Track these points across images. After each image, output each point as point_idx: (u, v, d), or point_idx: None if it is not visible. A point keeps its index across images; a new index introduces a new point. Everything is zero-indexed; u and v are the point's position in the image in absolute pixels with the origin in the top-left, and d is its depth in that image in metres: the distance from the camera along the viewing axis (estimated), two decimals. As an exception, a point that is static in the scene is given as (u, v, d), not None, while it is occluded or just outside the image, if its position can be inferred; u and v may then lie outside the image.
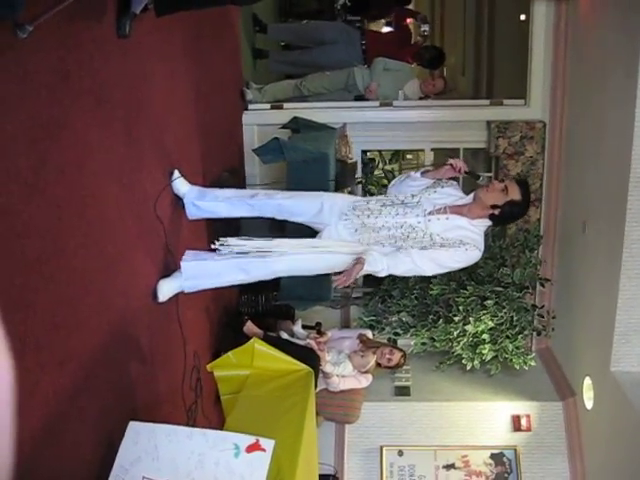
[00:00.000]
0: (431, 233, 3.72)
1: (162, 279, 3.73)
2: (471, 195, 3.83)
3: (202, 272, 3.79)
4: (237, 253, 3.75)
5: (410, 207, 3.79)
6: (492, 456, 5.70)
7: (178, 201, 4.04)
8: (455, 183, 3.96)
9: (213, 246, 3.80)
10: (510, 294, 5.65)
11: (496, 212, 3.73)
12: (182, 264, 3.77)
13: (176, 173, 4.01)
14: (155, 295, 3.66)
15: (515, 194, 3.71)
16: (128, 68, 3.40)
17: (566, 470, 5.62)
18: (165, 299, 3.70)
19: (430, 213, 3.76)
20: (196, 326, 4.14)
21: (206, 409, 4.42)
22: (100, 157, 3.03)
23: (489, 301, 5.57)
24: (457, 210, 3.78)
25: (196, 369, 4.29)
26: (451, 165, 3.75)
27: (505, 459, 5.68)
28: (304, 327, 5.66)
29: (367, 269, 3.64)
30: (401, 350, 5.52)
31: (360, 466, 5.73)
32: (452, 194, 3.86)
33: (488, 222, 3.82)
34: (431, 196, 3.81)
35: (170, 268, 3.84)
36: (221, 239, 3.80)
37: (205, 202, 4.04)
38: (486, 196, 3.72)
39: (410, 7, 7.91)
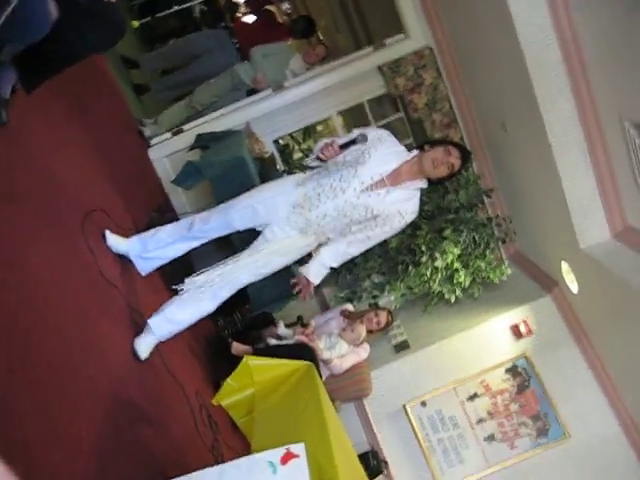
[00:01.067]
0: (372, 209, 3.71)
1: (136, 338, 3.68)
2: (412, 154, 3.80)
3: (171, 318, 3.76)
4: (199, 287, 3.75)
5: (346, 181, 3.71)
6: (507, 371, 5.79)
7: (122, 258, 4.00)
8: (360, 141, 3.73)
9: (176, 287, 3.79)
10: (463, 217, 5.73)
11: (436, 181, 3.81)
12: (149, 322, 3.74)
13: (108, 234, 3.95)
14: (136, 355, 3.62)
15: (457, 167, 3.75)
16: (20, 153, 3.34)
17: (579, 356, 5.74)
18: (147, 355, 3.67)
19: (369, 188, 3.71)
20: (186, 367, 4.11)
21: (228, 440, 4.41)
22: (29, 249, 2.98)
23: (447, 231, 5.65)
24: (396, 177, 3.74)
25: (204, 407, 4.26)
26: (322, 156, 3.68)
27: (520, 369, 5.78)
28: (287, 326, 5.65)
29: (316, 282, 3.75)
30: (384, 309, 5.58)
31: (392, 431, 5.77)
32: (388, 155, 3.76)
33: (425, 185, 3.83)
34: (367, 163, 3.71)
35: (140, 324, 3.80)
36: (181, 285, 3.81)
37: (151, 252, 4.02)
38: (432, 172, 3.71)
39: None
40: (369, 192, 3.70)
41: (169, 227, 4.07)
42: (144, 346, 3.67)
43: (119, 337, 3.58)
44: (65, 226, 3.52)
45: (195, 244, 4.04)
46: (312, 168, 3.92)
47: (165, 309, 3.79)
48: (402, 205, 3.74)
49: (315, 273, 3.75)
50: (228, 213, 3.95)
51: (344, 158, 3.76)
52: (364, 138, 3.69)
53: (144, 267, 4.06)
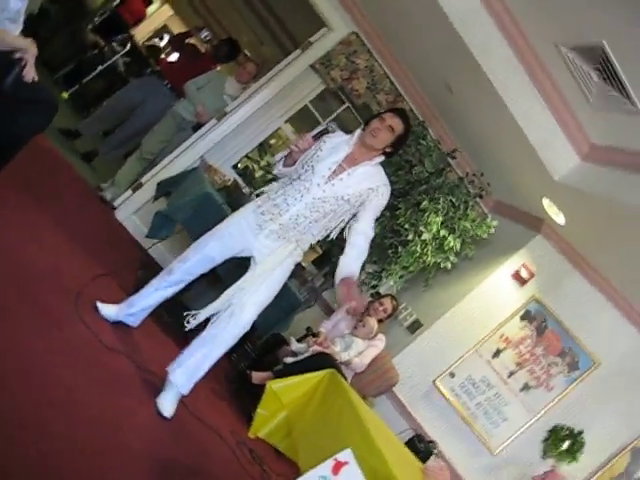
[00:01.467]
0: (342, 195, 3.75)
1: (158, 398, 3.66)
2: (355, 135, 3.87)
3: (190, 370, 3.73)
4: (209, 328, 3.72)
5: (307, 180, 3.78)
6: (522, 319, 5.81)
7: (118, 323, 3.98)
8: (332, 130, 3.96)
9: (188, 326, 3.79)
10: (435, 184, 5.76)
11: (388, 150, 3.85)
12: (171, 378, 3.71)
13: (99, 305, 3.95)
14: (162, 415, 3.60)
15: (399, 127, 3.80)
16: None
17: (585, 282, 5.76)
18: (172, 412, 3.65)
19: (330, 178, 3.76)
20: (215, 411, 4.09)
21: (276, 468, 4.39)
22: (30, 342, 2.96)
23: (424, 203, 5.67)
24: (352, 161, 3.81)
25: (242, 444, 4.26)
26: (295, 148, 3.77)
27: (533, 313, 5.80)
28: (299, 340, 5.65)
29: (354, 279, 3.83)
30: (387, 295, 5.60)
31: (430, 410, 5.77)
32: (337, 144, 3.85)
33: (382, 157, 3.89)
34: (320, 158, 3.79)
35: (156, 384, 3.78)
36: (189, 324, 3.79)
37: (136, 307, 4.00)
38: (375, 141, 3.79)
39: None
40: (332, 181, 3.76)
41: (152, 280, 4.05)
42: (168, 404, 3.65)
43: (139, 401, 3.56)
44: (57, 312, 3.50)
45: (181, 286, 4.01)
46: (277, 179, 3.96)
47: (183, 363, 3.74)
48: (369, 181, 3.80)
49: (349, 272, 3.80)
50: (204, 246, 3.94)
51: (302, 164, 3.82)
52: (332, 127, 3.83)
53: (132, 320, 4.04)
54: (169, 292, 4.02)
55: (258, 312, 3.82)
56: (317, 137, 3.82)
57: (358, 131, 3.91)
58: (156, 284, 4.01)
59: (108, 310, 3.96)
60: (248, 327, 3.78)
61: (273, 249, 3.81)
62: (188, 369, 3.73)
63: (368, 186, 3.79)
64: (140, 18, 12.72)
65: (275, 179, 4.12)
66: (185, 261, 3.94)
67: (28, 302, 3.31)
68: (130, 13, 11.70)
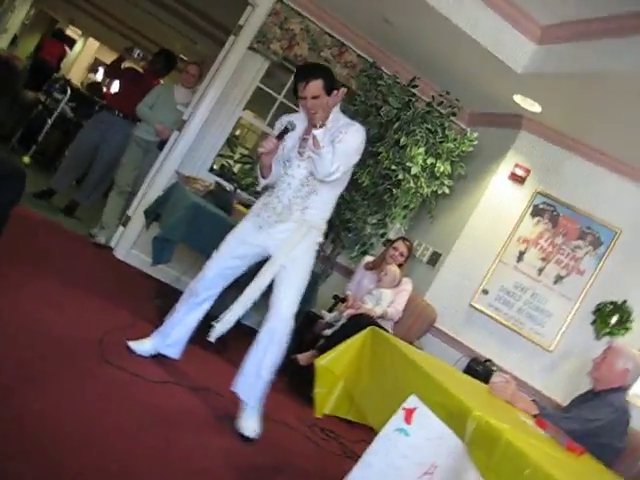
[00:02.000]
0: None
1: (239, 421, 3.71)
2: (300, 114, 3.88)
3: (255, 382, 3.75)
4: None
5: (289, 168, 3.82)
6: (532, 215, 5.81)
7: (159, 357, 4.04)
8: (292, 127, 3.83)
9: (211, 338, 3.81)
10: (406, 118, 5.75)
11: (328, 97, 3.74)
12: (242, 398, 3.75)
13: (130, 344, 4.00)
14: (249, 438, 3.65)
15: (316, 87, 3.70)
16: (12, 328, 3.34)
17: (582, 161, 5.73)
18: (259, 430, 3.69)
19: (302, 154, 3.79)
20: (276, 405, 4.12)
21: (353, 437, 4.48)
22: (74, 404, 3.00)
23: (402, 139, 5.68)
24: (311, 130, 3.75)
25: (312, 427, 4.34)
26: (262, 149, 3.75)
27: (541, 206, 5.80)
28: (331, 310, 5.70)
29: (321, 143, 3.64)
30: (398, 238, 5.62)
31: (476, 332, 5.80)
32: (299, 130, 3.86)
33: (342, 116, 3.84)
34: (289, 147, 3.84)
35: (229, 408, 3.82)
36: (212, 334, 3.81)
37: (172, 336, 4.03)
38: (316, 117, 3.68)
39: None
40: (305, 156, 3.76)
41: (177, 305, 4.07)
42: (252, 424, 3.70)
43: (220, 432, 3.64)
44: (93, 364, 3.53)
45: (208, 305, 4.04)
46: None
47: (245, 379, 3.75)
48: (332, 130, 3.72)
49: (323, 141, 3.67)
50: (219, 257, 3.95)
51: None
52: (292, 124, 3.78)
53: (175, 352, 4.09)
54: (199, 313, 4.04)
55: (297, 302, 3.81)
56: (280, 137, 3.77)
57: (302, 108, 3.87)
58: (183, 309, 4.03)
59: (142, 346, 4.02)
60: (293, 320, 3.78)
61: (285, 238, 3.80)
62: (253, 383, 3.74)
63: (339, 130, 3.72)
64: (61, 57, 12.70)
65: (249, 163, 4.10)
66: (204, 277, 3.96)
67: (63, 363, 3.34)
68: (50, 55, 11.68)
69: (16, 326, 3.44)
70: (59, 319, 3.88)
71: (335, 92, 3.72)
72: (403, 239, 5.65)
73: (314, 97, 3.70)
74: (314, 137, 3.60)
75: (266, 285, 3.80)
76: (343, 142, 3.70)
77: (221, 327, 3.81)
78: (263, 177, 3.90)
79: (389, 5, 5.24)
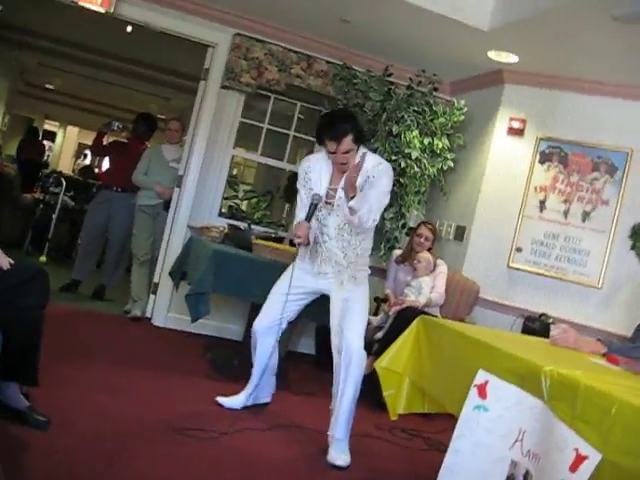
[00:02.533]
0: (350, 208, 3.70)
1: (331, 453, 3.72)
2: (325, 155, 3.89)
3: (346, 420, 3.78)
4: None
5: (324, 223, 3.88)
6: (541, 162, 5.75)
7: (256, 407, 4.22)
8: (317, 200, 3.85)
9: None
10: (391, 107, 5.76)
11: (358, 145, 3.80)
12: (335, 436, 3.77)
13: (220, 399, 4.17)
14: (342, 467, 3.66)
15: (349, 141, 3.72)
16: (76, 433, 3.38)
17: (577, 96, 5.69)
18: (349, 459, 3.71)
19: (332, 204, 3.84)
20: (358, 420, 4.11)
21: (434, 429, 4.49)
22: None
23: (394, 128, 5.68)
24: (338, 177, 3.82)
25: (393, 429, 4.34)
26: (298, 240, 3.81)
27: (547, 151, 5.75)
28: (376, 313, 5.70)
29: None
30: (419, 225, 5.62)
31: (522, 291, 5.74)
32: (317, 176, 3.91)
33: (360, 151, 3.82)
34: (328, 206, 3.88)
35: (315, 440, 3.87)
36: None
37: (256, 382, 4.16)
38: (348, 168, 3.71)
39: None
40: (337, 204, 3.81)
41: (256, 356, 4.15)
42: (339, 455, 3.70)
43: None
44: (168, 438, 3.55)
45: (273, 343, 4.12)
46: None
47: (339, 421, 3.77)
48: (362, 176, 3.72)
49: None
50: (266, 310, 4.07)
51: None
52: (317, 197, 3.80)
53: (262, 396, 4.30)
54: (275, 345, 4.14)
55: (363, 331, 3.87)
56: (310, 217, 3.80)
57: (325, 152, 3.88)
58: (261, 343, 4.11)
59: (233, 401, 4.19)
60: (364, 352, 3.83)
61: (335, 278, 3.89)
62: (346, 419, 3.77)
63: (363, 180, 3.74)
64: (42, 152, 13.12)
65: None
66: (255, 332, 4.08)
67: (144, 442, 3.36)
68: (32, 154, 12.04)
69: (83, 418, 3.47)
70: (121, 401, 3.91)
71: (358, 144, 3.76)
72: (424, 223, 5.64)
73: (346, 152, 3.73)
74: (351, 208, 3.62)
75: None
76: (375, 188, 3.72)
77: None
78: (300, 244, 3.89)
79: (342, 5, 5.26)
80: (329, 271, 3.90)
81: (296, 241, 3.82)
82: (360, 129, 3.86)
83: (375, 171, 3.76)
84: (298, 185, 4.02)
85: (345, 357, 3.76)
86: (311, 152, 6.82)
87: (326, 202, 3.85)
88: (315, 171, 3.92)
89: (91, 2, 5.65)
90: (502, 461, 2.35)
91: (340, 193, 3.76)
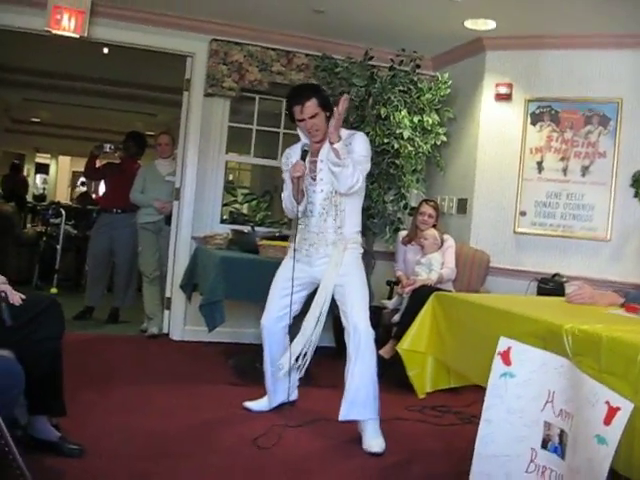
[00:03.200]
0: (333, 180, 3.81)
1: (365, 441, 3.73)
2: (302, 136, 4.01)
3: (364, 399, 3.75)
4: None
5: (310, 201, 3.94)
6: (533, 124, 5.75)
7: (283, 406, 4.26)
8: (307, 147, 3.98)
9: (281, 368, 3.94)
10: (376, 90, 5.76)
11: (328, 115, 3.86)
12: (356, 418, 3.79)
13: (247, 404, 4.23)
14: (379, 454, 3.66)
15: (313, 107, 3.82)
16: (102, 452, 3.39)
17: (551, 47, 5.70)
18: (383, 444, 3.70)
19: (314, 177, 3.92)
20: (387, 405, 4.11)
21: (463, 402, 4.52)
22: None
23: (382, 110, 5.69)
24: (316, 151, 3.92)
25: (423, 408, 4.35)
26: (295, 174, 3.86)
27: (537, 111, 5.73)
28: (390, 297, 5.71)
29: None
30: (420, 203, 5.62)
31: (532, 254, 5.73)
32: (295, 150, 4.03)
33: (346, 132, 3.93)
34: (312, 181, 3.95)
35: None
36: (282, 365, 3.96)
37: (277, 383, 4.20)
38: (317, 135, 3.87)
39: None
40: (319, 177, 3.89)
41: (265, 359, 4.17)
42: (372, 440, 3.71)
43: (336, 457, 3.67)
44: (216, 445, 3.57)
45: (284, 341, 4.13)
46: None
47: (354, 401, 3.76)
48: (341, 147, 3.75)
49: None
50: (270, 303, 4.09)
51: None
52: (307, 145, 3.93)
53: (291, 393, 4.28)
54: (286, 341, 4.13)
55: (366, 310, 3.86)
56: (304, 157, 3.88)
57: (301, 133, 4.03)
58: (268, 359, 4.14)
59: (257, 404, 4.24)
60: (372, 330, 3.82)
61: (327, 261, 3.90)
62: (363, 400, 3.75)
63: (347, 149, 3.77)
64: (25, 185, 13.53)
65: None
66: (263, 328, 4.10)
67: (192, 459, 3.37)
68: (20, 185, 12.37)
69: (115, 440, 3.48)
70: (149, 419, 3.92)
71: (339, 104, 3.72)
72: (425, 201, 5.63)
73: (312, 117, 3.82)
74: (335, 150, 3.65)
75: (323, 311, 3.87)
76: (353, 152, 3.79)
77: (302, 363, 3.90)
78: (298, 203, 3.92)
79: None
80: (321, 248, 3.92)
81: (295, 175, 3.81)
82: (325, 95, 4.00)
83: (351, 139, 3.85)
84: (283, 174, 4.12)
85: (354, 339, 3.76)
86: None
87: (311, 177, 3.92)
88: (295, 155, 4.01)
89: (64, 29, 5.61)
90: (536, 424, 2.35)
91: (321, 165, 3.86)
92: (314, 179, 3.91)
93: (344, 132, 3.89)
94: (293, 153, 4.06)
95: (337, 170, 3.70)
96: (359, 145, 3.85)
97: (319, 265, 3.94)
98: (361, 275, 3.94)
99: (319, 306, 3.86)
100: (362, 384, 3.74)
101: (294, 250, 4.02)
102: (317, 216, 3.93)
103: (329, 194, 3.88)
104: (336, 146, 3.65)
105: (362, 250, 4.04)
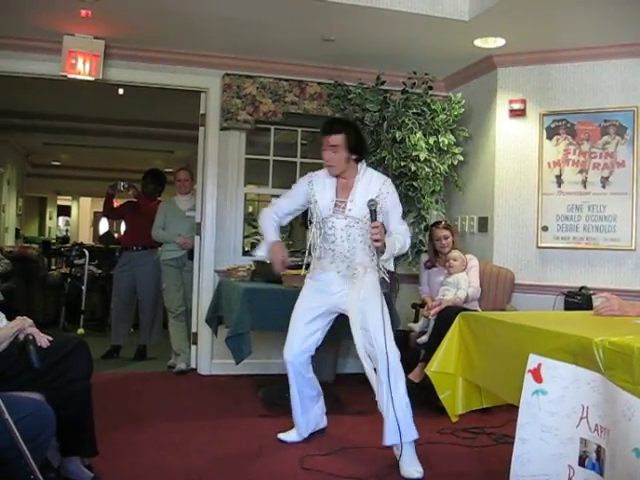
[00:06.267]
0: (359, 218, 3.88)
1: (402, 467, 3.68)
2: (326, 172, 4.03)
3: (400, 422, 3.71)
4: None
5: (331, 226, 3.95)
6: (549, 138, 5.73)
7: (316, 433, 4.27)
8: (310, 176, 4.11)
9: None
10: (389, 113, 5.78)
11: (355, 157, 3.95)
12: (395, 443, 3.74)
13: (281, 436, 4.22)
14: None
15: (339, 138, 3.88)
16: None
17: (562, 60, 5.70)
18: (420, 468, 3.67)
19: (338, 211, 3.95)
20: (420, 429, 4.08)
21: (496, 422, 4.48)
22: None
23: (397, 134, 5.69)
24: (344, 189, 3.96)
25: (456, 431, 4.31)
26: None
27: (553, 125, 5.71)
28: (416, 320, 5.67)
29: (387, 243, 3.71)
30: (432, 228, 5.63)
31: (557, 269, 5.68)
32: (323, 185, 4.01)
33: (359, 164, 4.00)
34: (323, 207, 4.00)
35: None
36: None
37: (307, 415, 4.20)
38: (332, 169, 3.94)
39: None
40: (344, 213, 3.92)
41: (292, 392, 4.15)
42: (410, 465, 3.67)
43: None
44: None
45: (310, 372, 4.15)
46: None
47: (389, 425, 3.73)
48: (370, 192, 3.85)
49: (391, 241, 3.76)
50: (292, 335, 4.07)
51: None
52: (373, 202, 3.78)
53: (320, 421, 4.30)
54: (311, 382, 4.16)
55: (390, 333, 3.84)
56: (374, 218, 3.77)
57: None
58: (295, 391, 4.12)
59: (289, 435, 4.22)
60: (397, 352, 3.82)
61: (348, 287, 3.91)
62: (404, 422, 3.72)
63: (375, 195, 3.84)
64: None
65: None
66: (287, 362, 4.06)
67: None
68: None
69: (148, 478, 3.48)
70: (182, 455, 3.91)
71: (357, 155, 3.90)
72: (434, 225, 5.63)
73: (332, 147, 3.87)
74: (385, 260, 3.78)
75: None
76: (387, 207, 3.87)
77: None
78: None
79: (322, 25, 5.29)
80: (341, 275, 3.95)
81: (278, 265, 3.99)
82: (358, 138, 4.00)
83: (385, 187, 3.92)
84: (294, 187, 4.18)
85: (382, 362, 3.72)
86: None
87: (334, 213, 3.95)
88: (318, 183, 4.03)
89: (79, 73, 5.69)
90: (572, 441, 2.32)
91: (350, 205, 3.90)
92: (342, 214, 3.93)
93: (373, 174, 3.98)
94: (316, 179, 4.05)
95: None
96: (393, 196, 3.94)
97: (338, 292, 3.95)
98: (379, 298, 3.85)
99: (357, 324, 3.84)
100: (400, 406, 3.71)
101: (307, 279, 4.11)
102: (339, 245, 3.95)
103: (350, 224, 3.91)
104: (384, 258, 3.74)
105: (380, 276, 4.01)
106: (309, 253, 4.13)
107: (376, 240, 3.62)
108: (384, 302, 3.87)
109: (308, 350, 4.06)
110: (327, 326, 4.10)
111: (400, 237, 3.79)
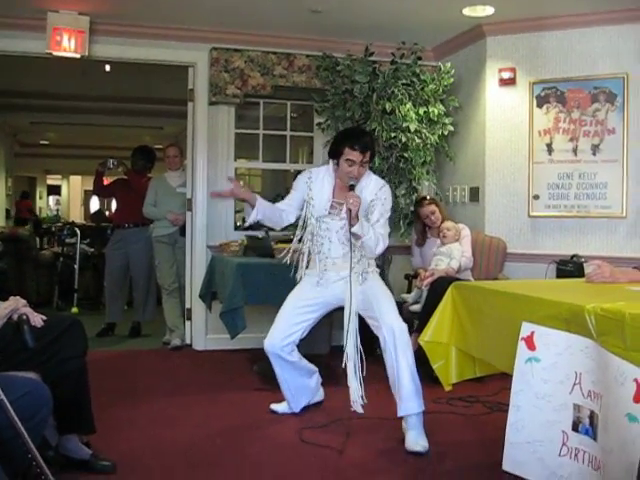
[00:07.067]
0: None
1: (406, 442, 3.68)
2: (331, 169, 4.02)
3: (409, 393, 3.72)
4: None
5: (325, 227, 3.96)
6: (539, 106, 5.73)
7: (312, 406, 4.34)
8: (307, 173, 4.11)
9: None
10: (379, 85, 5.73)
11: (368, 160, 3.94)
12: (403, 414, 3.75)
13: (273, 407, 4.29)
14: (419, 453, 3.62)
15: (368, 155, 3.87)
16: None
17: (549, 28, 5.68)
18: (426, 443, 3.66)
19: (332, 214, 3.95)
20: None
21: (489, 390, 4.51)
22: None
23: (386, 105, 5.65)
24: (342, 192, 3.90)
25: (450, 400, 4.36)
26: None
27: (543, 93, 5.69)
28: (409, 291, 5.69)
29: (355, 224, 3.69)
30: (416, 206, 5.63)
31: (548, 237, 5.70)
32: (321, 183, 4.00)
33: (371, 174, 4.02)
34: (317, 206, 3.98)
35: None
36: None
37: (293, 389, 4.22)
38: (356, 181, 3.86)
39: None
40: (339, 217, 3.90)
41: (276, 373, 4.15)
42: (415, 439, 3.67)
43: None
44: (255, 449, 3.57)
45: (293, 350, 4.13)
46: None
47: (401, 397, 3.75)
48: (368, 195, 3.88)
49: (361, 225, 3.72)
50: (281, 319, 4.08)
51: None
52: (352, 180, 3.84)
53: (316, 396, 4.40)
54: (296, 364, 4.16)
55: (395, 308, 3.89)
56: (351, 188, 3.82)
57: (332, 165, 4.01)
58: (279, 372, 4.13)
59: (281, 407, 4.29)
60: (404, 325, 3.82)
61: (345, 280, 3.87)
62: (415, 394, 3.74)
63: (370, 199, 3.88)
64: (30, 209, 14.31)
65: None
66: (267, 343, 4.06)
67: (224, 468, 3.38)
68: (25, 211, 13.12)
69: (147, 454, 3.50)
70: (179, 430, 3.94)
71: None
72: (418, 204, 5.63)
73: (366, 162, 3.88)
74: (353, 234, 3.71)
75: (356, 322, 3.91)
76: (377, 211, 3.87)
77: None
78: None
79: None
80: (339, 271, 3.93)
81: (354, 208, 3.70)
82: (373, 147, 4.05)
83: (381, 192, 3.93)
84: (294, 184, 4.14)
85: (391, 338, 3.74)
86: (310, 149, 6.85)
87: (330, 213, 3.96)
88: (317, 182, 4.02)
89: (65, 50, 5.63)
90: (565, 407, 2.34)
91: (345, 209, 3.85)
92: (338, 215, 3.92)
93: (372, 178, 3.98)
94: (315, 177, 4.03)
95: (360, 242, 3.76)
96: (387, 201, 3.95)
97: (335, 285, 3.95)
98: (380, 282, 4.01)
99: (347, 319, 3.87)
100: (411, 378, 3.73)
101: (305, 269, 4.11)
102: (336, 242, 3.95)
103: (345, 226, 3.85)
104: (354, 230, 3.67)
105: (378, 270, 4.12)
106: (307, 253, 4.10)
107: (350, 210, 3.63)
108: (384, 285, 3.99)
109: (290, 342, 4.05)
110: (314, 321, 4.10)
111: (376, 234, 3.77)
